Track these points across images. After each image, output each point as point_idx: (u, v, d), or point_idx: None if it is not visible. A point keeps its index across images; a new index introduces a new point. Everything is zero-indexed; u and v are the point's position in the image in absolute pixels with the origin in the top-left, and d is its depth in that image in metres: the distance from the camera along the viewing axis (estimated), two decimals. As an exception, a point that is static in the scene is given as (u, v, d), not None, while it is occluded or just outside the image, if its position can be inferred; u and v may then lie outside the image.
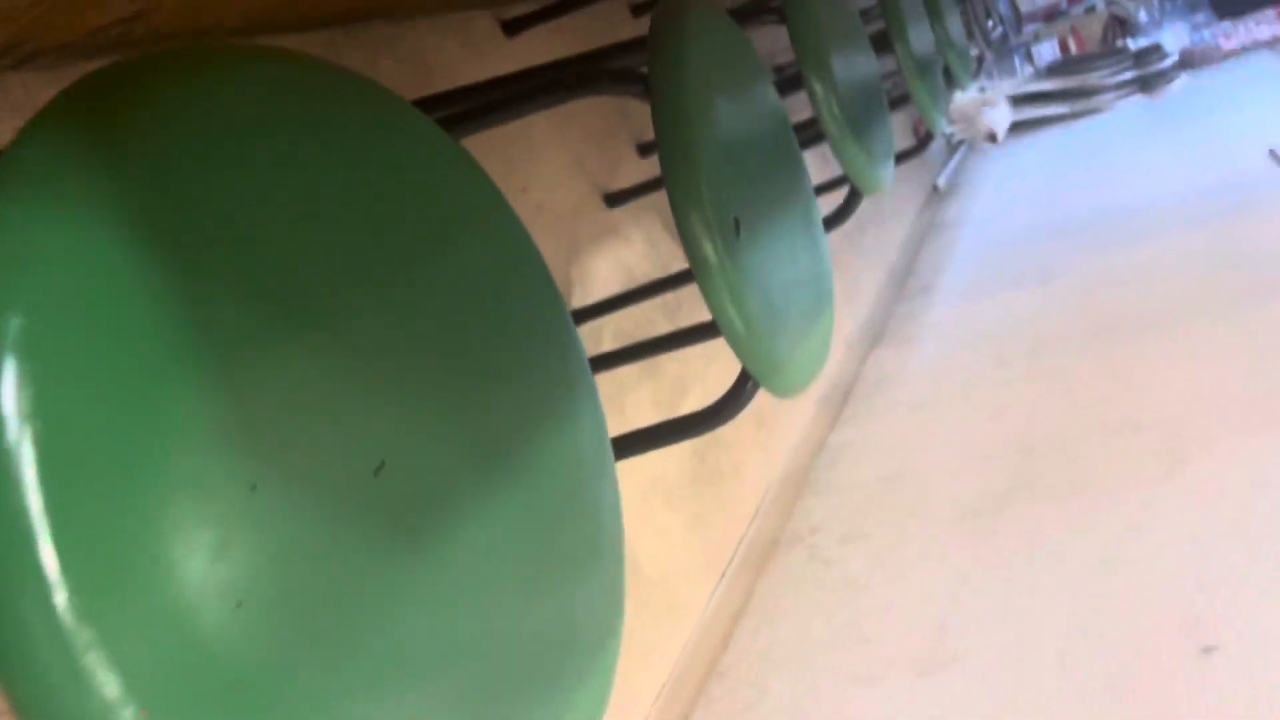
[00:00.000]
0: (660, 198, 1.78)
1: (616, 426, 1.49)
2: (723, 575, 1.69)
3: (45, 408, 0.31)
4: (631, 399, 1.55)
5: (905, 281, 3.07)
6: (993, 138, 4.00)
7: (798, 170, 1.04)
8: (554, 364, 0.57)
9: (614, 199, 1.63)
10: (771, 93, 1.04)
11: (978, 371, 2.20)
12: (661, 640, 1.48)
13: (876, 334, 2.70)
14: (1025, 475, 1.72)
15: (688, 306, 1.77)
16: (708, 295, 0.80)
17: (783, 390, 0.87)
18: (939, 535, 1.64)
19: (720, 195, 0.80)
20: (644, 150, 1.76)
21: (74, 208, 0.34)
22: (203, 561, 0.34)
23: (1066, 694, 1.22)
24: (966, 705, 1.27)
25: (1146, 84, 4.37)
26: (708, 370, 1.79)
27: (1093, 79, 4.41)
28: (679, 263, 1.79)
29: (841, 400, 2.34)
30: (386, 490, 0.41)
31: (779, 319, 0.86)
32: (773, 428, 2.03)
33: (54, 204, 0.34)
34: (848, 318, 2.66)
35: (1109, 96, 4.41)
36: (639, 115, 1.79)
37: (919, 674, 1.36)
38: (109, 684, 0.31)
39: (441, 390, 0.48)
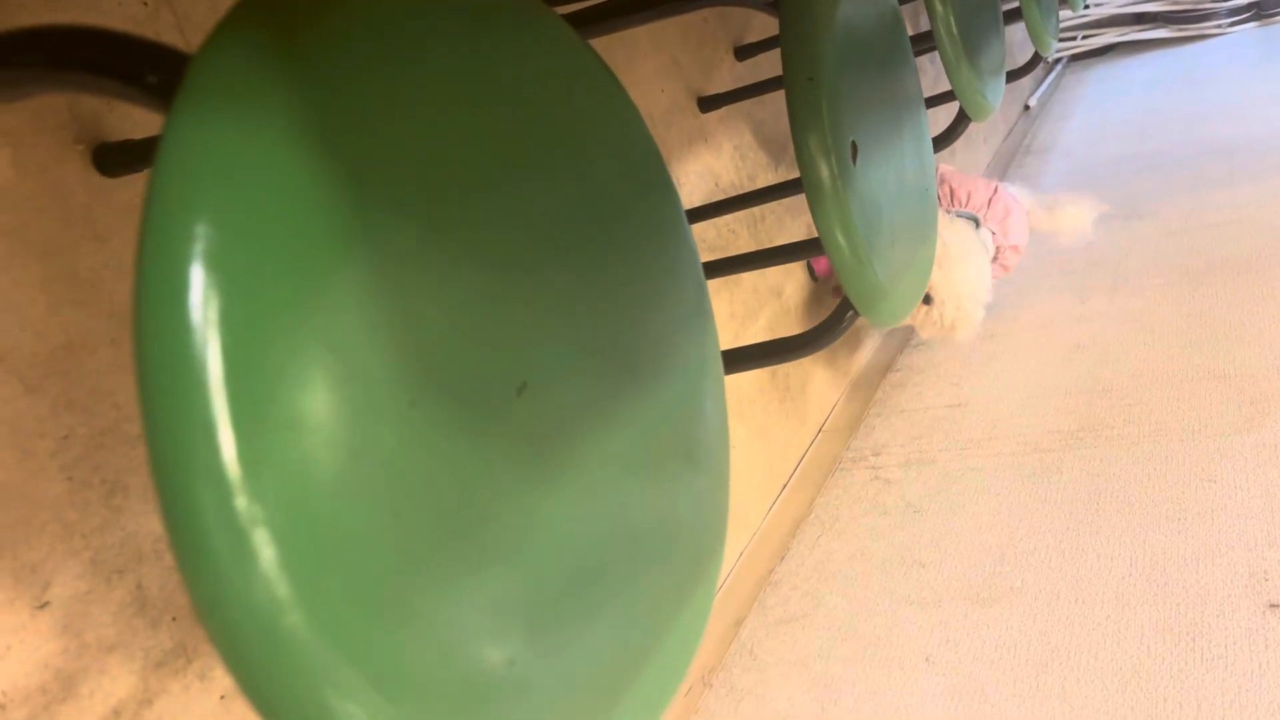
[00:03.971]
0: (753, 105, 1.74)
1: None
2: (784, 487, 1.70)
3: (230, 317, 0.32)
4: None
5: (986, 204, 2.99)
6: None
7: (913, 91, 1.01)
8: (675, 278, 0.57)
9: (707, 103, 1.60)
10: (893, 3, 1.00)
11: (1056, 306, 2.16)
12: (720, 547, 1.51)
13: (953, 257, 2.65)
14: (1096, 416, 1.70)
15: (772, 219, 1.75)
16: (819, 219, 0.79)
17: (881, 320, 0.86)
18: (1002, 468, 1.64)
19: (840, 119, 0.78)
20: (740, 54, 1.72)
21: (256, 118, 0.34)
22: (363, 470, 0.35)
23: (1123, 635, 1.23)
24: (1020, 637, 1.29)
25: (1262, 10, 4.14)
26: (784, 285, 1.78)
27: (1205, 2, 4.19)
28: (765, 173, 1.76)
29: (912, 322, 2.32)
30: (527, 411, 0.41)
31: (884, 249, 0.85)
32: (844, 345, 2.02)
33: (238, 114, 0.34)
34: (925, 238, 2.62)
35: (1220, 22, 4.20)
36: (737, 16, 1.74)
37: (973, 602, 1.38)
38: (269, 560, 0.32)
39: (575, 306, 0.48)
